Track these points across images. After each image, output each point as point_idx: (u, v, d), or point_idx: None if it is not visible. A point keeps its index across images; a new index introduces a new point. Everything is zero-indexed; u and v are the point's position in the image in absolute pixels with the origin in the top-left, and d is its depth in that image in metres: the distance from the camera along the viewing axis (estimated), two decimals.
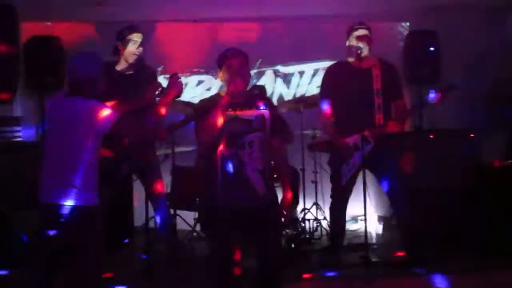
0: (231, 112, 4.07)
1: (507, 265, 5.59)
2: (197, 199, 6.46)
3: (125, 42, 5.50)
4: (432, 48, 7.41)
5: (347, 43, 5.74)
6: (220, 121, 3.97)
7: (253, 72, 8.00)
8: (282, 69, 8.58)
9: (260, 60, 8.44)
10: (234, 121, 4.08)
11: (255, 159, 4.11)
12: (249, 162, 4.09)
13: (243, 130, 4.11)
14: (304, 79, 8.56)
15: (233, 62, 4.18)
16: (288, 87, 8.59)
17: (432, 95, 5.39)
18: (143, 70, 5.51)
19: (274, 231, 4.28)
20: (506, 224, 6.01)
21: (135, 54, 5.50)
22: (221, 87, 8.29)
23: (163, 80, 8.13)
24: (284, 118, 4.55)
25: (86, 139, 4.00)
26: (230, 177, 4.07)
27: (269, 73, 8.59)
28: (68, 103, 4.12)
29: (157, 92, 4.91)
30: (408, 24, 8.51)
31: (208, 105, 4.13)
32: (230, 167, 4.07)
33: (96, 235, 4.04)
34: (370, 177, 5.63)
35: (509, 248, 5.84)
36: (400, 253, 5.67)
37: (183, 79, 8.41)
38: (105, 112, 4.05)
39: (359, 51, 5.57)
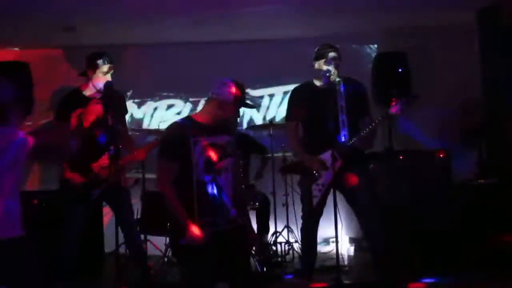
0: (207, 139, 4.12)
1: (483, 281, 5.70)
2: (168, 224, 6.42)
3: (94, 67, 5.48)
4: (400, 70, 7.45)
5: (316, 66, 5.68)
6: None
7: None
8: (251, 92, 8.56)
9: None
10: (210, 147, 4.13)
11: (229, 183, 4.18)
12: (225, 187, 4.15)
13: (219, 156, 4.14)
14: (274, 102, 8.57)
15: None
16: (258, 110, 8.60)
17: (393, 108, 5.40)
18: (111, 95, 5.48)
19: (247, 254, 4.36)
20: (477, 241, 6.07)
21: (103, 79, 5.47)
22: (190, 110, 8.34)
23: (131, 105, 8.16)
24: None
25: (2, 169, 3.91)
26: (209, 202, 4.10)
27: None
28: None
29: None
30: (376, 46, 8.56)
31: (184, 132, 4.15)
32: (209, 192, 4.10)
33: (27, 266, 3.95)
34: (340, 198, 5.62)
35: (483, 264, 5.95)
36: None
37: (153, 104, 8.47)
38: (22, 139, 4.00)
39: (328, 74, 5.53)
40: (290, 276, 6.09)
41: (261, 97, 8.64)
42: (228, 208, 4.16)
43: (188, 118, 4.34)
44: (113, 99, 5.45)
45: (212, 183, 4.11)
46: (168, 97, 8.58)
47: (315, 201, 5.54)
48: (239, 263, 4.18)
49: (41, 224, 6.24)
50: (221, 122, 4.27)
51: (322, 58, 5.63)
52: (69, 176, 5.45)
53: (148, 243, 6.73)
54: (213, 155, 4.12)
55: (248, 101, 4.34)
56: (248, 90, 8.47)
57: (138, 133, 7.61)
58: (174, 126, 4.34)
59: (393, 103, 5.42)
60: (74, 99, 5.57)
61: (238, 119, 4.40)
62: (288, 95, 6.03)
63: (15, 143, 3.97)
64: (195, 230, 4.00)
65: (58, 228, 5.62)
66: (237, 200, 4.23)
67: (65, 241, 5.49)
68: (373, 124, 5.52)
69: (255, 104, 4.52)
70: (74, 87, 5.69)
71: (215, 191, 4.11)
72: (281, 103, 8.53)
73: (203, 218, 4.06)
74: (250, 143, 7.28)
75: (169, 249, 6.62)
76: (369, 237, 5.70)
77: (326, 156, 5.41)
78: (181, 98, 8.51)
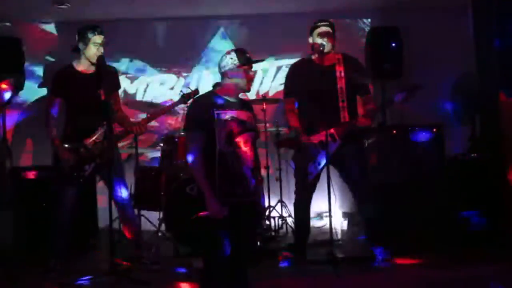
0: (228, 112, 4.21)
1: (474, 257, 5.71)
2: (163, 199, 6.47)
3: (86, 42, 5.46)
4: (394, 44, 7.45)
5: (310, 40, 5.72)
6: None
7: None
8: None
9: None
10: (232, 121, 4.20)
11: (249, 156, 4.24)
12: (245, 160, 4.21)
13: (240, 130, 4.21)
14: (267, 77, 8.55)
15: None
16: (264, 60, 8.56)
17: (398, 96, 5.42)
18: (104, 70, 5.46)
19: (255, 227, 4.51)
20: (470, 215, 6.14)
21: (95, 55, 5.45)
22: (183, 85, 8.31)
23: (124, 80, 8.14)
24: None
25: None
26: (230, 174, 4.17)
27: None
28: None
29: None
30: (369, 20, 8.53)
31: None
32: (230, 164, 4.17)
33: None
34: (334, 173, 5.63)
35: (475, 239, 6.02)
36: None
37: (146, 79, 8.44)
38: None
39: (321, 48, 5.55)
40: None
41: (255, 72, 8.59)
42: (248, 181, 4.22)
43: (211, 92, 4.38)
44: (105, 74, 5.44)
45: (233, 155, 4.17)
46: (160, 72, 8.55)
47: (310, 178, 5.58)
48: (244, 235, 4.27)
49: (36, 199, 6.31)
50: (241, 99, 4.39)
51: (315, 32, 5.66)
52: (61, 154, 5.45)
53: (142, 218, 6.73)
54: (234, 128, 4.19)
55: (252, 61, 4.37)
56: None
57: (131, 108, 7.61)
58: (199, 99, 4.53)
59: (399, 91, 5.44)
60: (67, 75, 5.55)
61: (254, 78, 4.49)
62: (284, 70, 6.03)
63: None
64: (216, 204, 4.08)
65: (52, 204, 5.67)
66: (256, 174, 4.29)
67: (57, 220, 5.52)
68: (374, 109, 5.67)
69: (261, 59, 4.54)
70: (66, 63, 5.67)
71: (235, 163, 4.17)
72: (274, 77, 8.51)
73: (223, 188, 4.14)
74: None
75: (162, 224, 6.64)
76: (362, 211, 5.74)
77: (321, 136, 5.43)
78: (173, 73, 8.48)
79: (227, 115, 4.19)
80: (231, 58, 4.27)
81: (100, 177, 5.84)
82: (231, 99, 4.30)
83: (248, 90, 4.39)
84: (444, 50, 7.88)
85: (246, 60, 4.30)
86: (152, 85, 8.53)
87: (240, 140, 4.19)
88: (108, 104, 5.35)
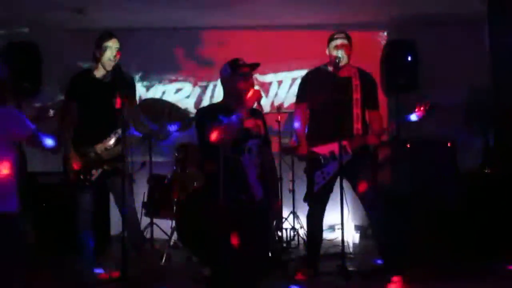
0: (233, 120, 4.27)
1: (487, 271, 5.69)
2: (175, 207, 6.47)
3: (102, 49, 5.50)
4: (410, 58, 7.43)
5: (327, 52, 5.72)
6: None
7: None
8: (260, 78, 8.57)
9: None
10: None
11: (254, 164, 4.30)
12: (250, 166, 4.27)
13: (245, 137, 4.31)
14: (282, 89, 8.56)
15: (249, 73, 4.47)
16: (266, 96, 8.59)
17: (413, 115, 5.42)
18: (121, 77, 5.49)
19: (265, 235, 4.45)
20: (483, 230, 6.08)
21: (112, 61, 5.48)
22: (198, 94, 8.33)
23: (140, 88, 8.18)
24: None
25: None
26: (233, 181, 4.21)
27: None
28: None
29: None
30: (386, 33, 8.53)
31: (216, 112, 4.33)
32: (233, 170, 4.22)
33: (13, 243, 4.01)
34: (347, 185, 5.62)
35: (489, 253, 5.98)
36: None
37: (161, 87, 8.48)
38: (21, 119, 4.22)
39: (337, 60, 5.56)
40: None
41: (270, 83, 8.64)
42: (253, 188, 4.25)
43: (216, 102, 4.55)
44: (122, 82, 5.46)
45: (237, 161, 4.24)
46: (176, 81, 8.58)
47: (316, 187, 5.56)
48: (251, 242, 4.25)
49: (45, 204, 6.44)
50: (246, 108, 4.39)
51: (331, 44, 5.66)
52: (69, 162, 5.48)
53: (154, 226, 6.75)
54: (239, 135, 4.28)
55: (245, 65, 4.44)
56: (257, 76, 8.51)
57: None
58: (203, 107, 4.74)
59: (416, 110, 5.43)
60: (83, 80, 5.59)
61: (249, 86, 4.47)
62: (299, 79, 6.04)
63: (11, 122, 4.14)
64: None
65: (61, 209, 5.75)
66: (263, 181, 4.33)
67: (77, 224, 5.55)
68: (389, 126, 5.85)
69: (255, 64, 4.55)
70: (83, 68, 5.71)
71: (240, 169, 4.23)
72: (289, 89, 8.52)
73: (228, 194, 4.18)
74: None
75: (174, 233, 6.64)
76: (374, 225, 5.72)
77: (332, 147, 5.43)
78: (189, 82, 8.52)
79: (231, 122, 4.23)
80: (225, 69, 4.40)
81: (108, 185, 5.83)
82: (236, 107, 4.32)
83: (245, 101, 4.37)
84: (459, 64, 7.86)
85: (234, 68, 4.38)
86: (167, 93, 8.57)
87: (245, 147, 4.25)
88: (123, 112, 5.38)
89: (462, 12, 7.69)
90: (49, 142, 4.53)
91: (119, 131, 5.38)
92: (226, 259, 4.17)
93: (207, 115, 4.38)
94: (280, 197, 7.03)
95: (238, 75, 4.39)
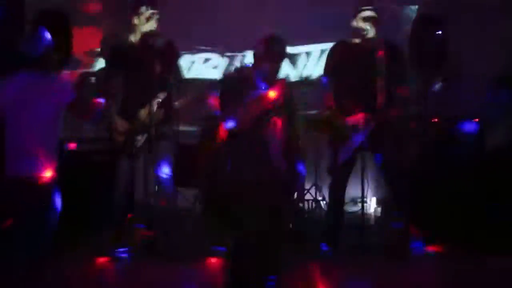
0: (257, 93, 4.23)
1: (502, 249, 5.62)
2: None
3: (140, 17, 5.58)
4: (439, 32, 7.35)
5: (354, 24, 5.71)
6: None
7: None
8: (288, 49, 8.54)
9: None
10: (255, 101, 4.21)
11: (277, 137, 4.25)
12: (272, 141, 4.22)
13: (268, 111, 4.23)
14: (310, 60, 8.55)
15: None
16: (294, 68, 8.60)
17: (436, 86, 5.40)
18: (159, 45, 5.57)
19: (287, 206, 4.44)
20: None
21: (148, 26, 5.56)
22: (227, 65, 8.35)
23: None
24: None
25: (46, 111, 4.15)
26: (255, 154, 4.20)
27: None
28: (28, 78, 4.23)
29: None
30: (417, 7, 8.46)
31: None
32: (257, 144, 4.20)
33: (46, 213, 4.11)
34: (370, 159, 5.64)
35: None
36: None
37: (190, 57, 8.51)
38: (65, 85, 4.33)
39: (364, 32, 5.55)
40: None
41: (298, 55, 8.63)
42: (274, 161, 4.22)
43: (239, 71, 4.54)
44: (160, 49, 5.54)
45: (260, 135, 4.20)
46: (205, 51, 8.62)
47: (341, 159, 5.59)
48: (272, 215, 4.20)
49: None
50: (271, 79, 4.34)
51: (359, 16, 5.65)
52: (115, 125, 5.58)
53: (179, 195, 6.84)
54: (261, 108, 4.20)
55: (279, 51, 4.32)
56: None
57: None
58: (230, 75, 4.62)
59: (434, 84, 5.42)
60: (124, 48, 5.68)
61: (278, 71, 4.40)
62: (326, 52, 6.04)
63: (53, 90, 4.21)
64: None
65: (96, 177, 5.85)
66: (286, 155, 4.30)
67: (116, 189, 5.69)
68: (408, 97, 5.71)
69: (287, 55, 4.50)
70: (122, 36, 5.79)
71: (262, 143, 4.19)
72: (318, 61, 8.51)
73: (248, 167, 4.18)
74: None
75: (198, 202, 6.72)
76: (396, 197, 5.74)
77: (356, 118, 5.44)
78: (218, 52, 8.54)
79: (255, 95, 4.20)
80: (258, 45, 4.30)
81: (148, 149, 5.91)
82: (260, 81, 4.29)
83: (271, 81, 4.32)
84: (491, 41, 7.77)
85: (272, 52, 4.26)
86: (196, 64, 8.62)
87: (267, 121, 4.21)
88: (165, 78, 5.48)
89: None
90: (96, 107, 4.65)
91: (161, 95, 5.47)
92: (247, 233, 4.21)
93: (233, 86, 4.36)
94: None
95: (269, 57, 4.27)
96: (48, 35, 4.28)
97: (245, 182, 4.16)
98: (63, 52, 6.99)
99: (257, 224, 4.16)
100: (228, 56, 8.57)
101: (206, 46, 8.62)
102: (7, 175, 4.10)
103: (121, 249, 5.49)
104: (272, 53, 4.26)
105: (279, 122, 4.28)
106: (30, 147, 4.07)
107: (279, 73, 4.41)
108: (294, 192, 4.56)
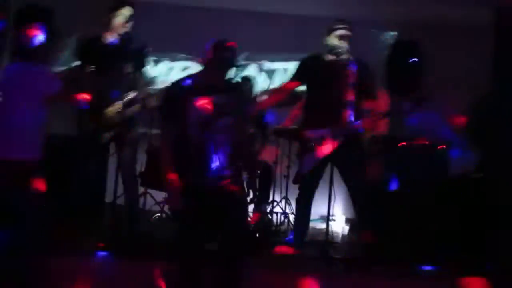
0: (204, 97, 4.23)
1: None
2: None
3: (115, 14, 5.67)
4: (414, 59, 7.49)
5: (327, 41, 5.76)
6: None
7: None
8: (267, 64, 8.69)
9: (247, 53, 8.51)
10: (207, 105, 4.23)
11: (225, 143, 4.27)
12: (221, 146, 4.24)
13: (216, 115, 4.24)
14: (287, 76, 8.64)
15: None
16: (271, 83, 8.70)
17: (406, 106, 5.48)
18: (130, 43, 5.66)
19: (240, 210, 4.37)
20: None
21: (123, 27, 5.66)
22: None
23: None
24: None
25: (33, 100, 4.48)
26: (203, 160, 4.21)
27: (253, 67, 8.72)
28: (21, 68, 4.58)
29: None
30: (395, 33, 8.61)
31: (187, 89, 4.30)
32: (204, 150, 4.21)
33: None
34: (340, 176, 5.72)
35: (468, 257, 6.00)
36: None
37: (169, 64, 8.58)
38: (51, 77, 4.67)
39: (339, 50, 5.62)
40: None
41: (276, 70, 8.74)
42: (222, 167, 4.24)
43: (187, 77, 4.42)
44: (131, 49, 5.63)
45: (207, 141, 4.21)
46: (185, 58, 8.72)
47: (304, 170, 5.67)
48: (228, 223, 4.21)
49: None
50: (221, 82, 4.39)
51: (334, 33, 5.72)
52: (84, 122, 5.65)
53: (148, 196, 6.87)
54: (209, 113, 4.22)
55: (228, 59, 4.37)
56: (264, 62, 8.63)
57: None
58: (172, 85, 4.47)
59: (405, 102, 5.50)
60: (94, 45, 5.76)
61: (224, 77, 4.45)
62: None
63: (41, 79, 4.59)
64: (174, 197, 4.16)
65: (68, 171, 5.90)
66: (234, 161, 4.31)
67: (75, 181, 5.77)
68: (380, 114, 5.69)
69: (238, 64, 4.48)
70: (95, 34, 5.87)
71: (209, 149, 4.21)
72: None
73: (194, 175, 4.19)
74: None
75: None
76: (360, 216, 5.82)
77: (323, 132, 5.52)
78: (196, 61, 8.60)
79: (202, 100, 4.22)
80: (206, 49, 4.35)
81: (116, 145, 5.96)
82: (207, 84, 4.30)
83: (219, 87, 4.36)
84: (464, 69, 7.94)
85: (215, 56, 4.30)
86: (174, 70, 8.70)
87: (217, 125, 4.23)
88: (134, 77, 5.58)
89: (470, 18, 7.77)
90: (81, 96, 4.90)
91: (129, 95, 5.56)
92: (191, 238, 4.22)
93: (181, 90, 4.31)
94: (257, 174, 7.09)
95: (216, 63, 4.33)
96: (41, 30, 4.49)
97: (188, 187, 4.16)
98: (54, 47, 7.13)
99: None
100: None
101: (186, 54, 8.68)
102: None
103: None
104: (220, 59, 4.31)
105: (228, 127, 4.30)
106: (18, 132, 4.39)
107: (225, 79, 4.45)
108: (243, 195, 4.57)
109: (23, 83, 4.52)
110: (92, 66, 5.68)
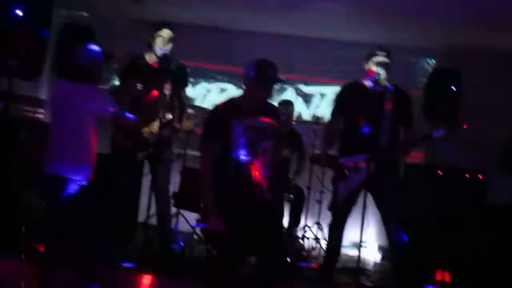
0: (246, 121, 4.24)
1: None
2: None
3: (154, 36, 5.76)
4: (453, 88, 7.42)
5: (366, 67, 5.73)
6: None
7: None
8: (304, 88, 8.69)
9: (284, 78, 8.47)
10: (250, 129, 4.24)
11: (266, 166, 4.27)
12: (262, 169, 4.24)
13: (259, 138, 4.25)
14: (324, 101, 8.65)
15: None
16: (307, 107, 8.70)
17: (437, 132, 5.40)
18: (170, 66, 5.73)
19: (277, 233, 4.41)
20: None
21: (163, 49, 5.72)
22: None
23: None
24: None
25: (84, 120, 4.53)
26: (244, 183, 4.20)
27: (290, 90, 8.72)
28: (72, 88, 4.62)
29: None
30: (433, 61, 8.55)
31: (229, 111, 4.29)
32: (245, 173, 4.21)
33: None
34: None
35: None
36: None
37: (206, 85, 8.62)
38: (104, 98, 4.72)
39: (377, 77, 5.59)
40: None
41: (313, 95, 8.73)
42: (262, 190, 4.22)
43: (229, 100, 4.44)
44: (171, 69, 5.70)
45: (248, 164, 4.19)
46: (222, 80, 8.76)
47: (339, 199, 5.62)
48: (267, 244, 4.21)
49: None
50: (262, 105, 4.37)
51: (373, 59, 5.69)
52: (119, 140, 5.70)
53: (180, 217, 6.88)
54: (251, 137, 4.22)
55: (271, 76, 4.31)
56: (301, 86, 8.64)
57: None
58: (215, 108, 4.49)
59: (439, 127, 5.44)
60: (136, 64, 5.84)
61: (268, 96, 4.44)
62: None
63: (97, 99, 4.67)
64: (216, 219, 4.13)
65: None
66: (273, 184, 4.30)
67: (115, 200, 5.80)
68: (414, 140, 5.68)
69: (282, 79, 4.44)
70: (137, 53, 5.96)
71: (251, 172, 4.20)
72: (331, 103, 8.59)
73: (236, 198, 4.19)
74: (296, 138, 7.42)
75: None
76: (390, 242, 5.74)
77: (357, 158, 5.48)
78: (234, 84, 8.65)
79: (244, 123, 4.21)
80: (249, 69, 4.29)
81: (150, 165, 6.03)
82: (249, 107, 4.28)
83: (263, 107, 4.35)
84: (504, 97, 7.84)
85: (263, 77, 4.26)
86: (212, 93, 8.74)
87: (257, 149, 4.23)
88: (173, 97, 5.68)
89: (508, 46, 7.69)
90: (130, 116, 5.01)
91: (167, 116, 5.61)
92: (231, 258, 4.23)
93: (225, 112, 4.30)
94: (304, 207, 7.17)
95: (260, 80, 4.28)
96: (95, 49, 4.58)
97: (228, 210, 4.15)
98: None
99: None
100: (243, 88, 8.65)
101: (223, 76, 8.73)
102: (47, 171, 4.47)
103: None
104: (262, 78, 4.26)
105: (270, 151, 4.29)
106: (69, 150, 4.46)
107: (267, 102, 4.44)
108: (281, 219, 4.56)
109: (77, 102, 4.55)
110: (139, 85, 5.75)
